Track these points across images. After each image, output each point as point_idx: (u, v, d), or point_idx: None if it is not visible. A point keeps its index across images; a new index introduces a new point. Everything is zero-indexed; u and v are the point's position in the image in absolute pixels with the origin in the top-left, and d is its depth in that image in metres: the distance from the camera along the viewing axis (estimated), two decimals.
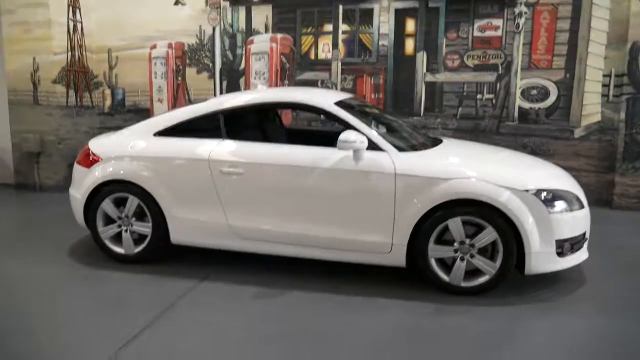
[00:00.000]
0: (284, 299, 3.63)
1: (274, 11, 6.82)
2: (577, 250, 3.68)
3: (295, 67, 6.83)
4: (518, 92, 6.24)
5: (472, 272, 3.61)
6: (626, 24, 5.80)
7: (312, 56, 6.79)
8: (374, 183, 3.63)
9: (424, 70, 6.48)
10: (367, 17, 6.55)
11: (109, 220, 4.22)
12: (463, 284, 3.59)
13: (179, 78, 7.14)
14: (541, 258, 3.49)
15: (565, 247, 3.57)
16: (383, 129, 4.04)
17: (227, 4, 6.90)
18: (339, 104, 3.94)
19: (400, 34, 6.50)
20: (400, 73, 6.57)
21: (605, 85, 6.01)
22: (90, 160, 4.27)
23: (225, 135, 4.01)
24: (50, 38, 6.71)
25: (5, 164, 7.22)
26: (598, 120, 6.08)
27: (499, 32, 6.23)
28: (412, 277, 3.83)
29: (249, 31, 6.91)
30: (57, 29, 6.76)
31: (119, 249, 4.22)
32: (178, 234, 4.07)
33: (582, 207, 3.68)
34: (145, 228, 4.12)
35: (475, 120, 6.41)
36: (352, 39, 6.64)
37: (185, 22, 7.00)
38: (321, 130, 6.22)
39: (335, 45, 6.67)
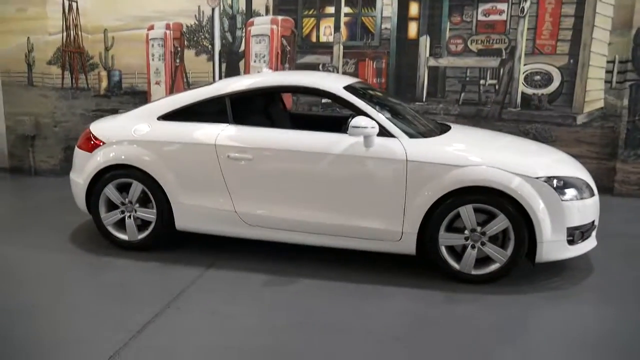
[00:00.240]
0: (293, 287, 3.59)
1: None
2: (586, 238, 3.67)
3: (296, 50, 6.72)
4: (521, 77, 6.20)
5: (482, 260, 3.59)
6: (631, 9, 5.75)
7: (314, 39, 6.68)
8: (384, 170, 3.58)
9: (427, 55, 6.40)
10: None
11: (111, 206, 4.14)
12: (474, 272, 3.57)
13: (177, 60, 7.00)
14: (552, 246, 3.48)
15: (576, 235, 3.55)
16: (392, 115, 3.98)
17: None
18: (348, 88, 3.87)
19: (403, 17, 6.40)
20: (402, 57, 6.48)
21: (608, 72, 5.98)
22: (91, 144, 4.17)
23: (232, 119, 3.93)
24: (45, 17, 6.51)
25: None
26: (601, 106, 6.06)
27: (503, 17, 6.15)
28: (420, 265, 3.81)
29: (249, 13, 6.76)
30: (52, 8, 6.57)
31: (122, 236, 4.15)
32: (183, 220, 4.00)
33: (592, 194, 3.67)
34: (149, 214, 4.04)
35: (478, 106, 6.36)
36: (354, 22, 6.53)
37: (183, 3, 6.85)
38: (322, 115, 6.14)
39: (337, 28, 6.56)
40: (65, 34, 6.77)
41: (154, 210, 4.02)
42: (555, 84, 6.14)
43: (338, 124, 4.01)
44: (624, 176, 5.98)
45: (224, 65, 6.92)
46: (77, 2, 6.86)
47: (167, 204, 3.98)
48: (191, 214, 3.97)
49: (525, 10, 6.07)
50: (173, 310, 3.26)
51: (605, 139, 6.07)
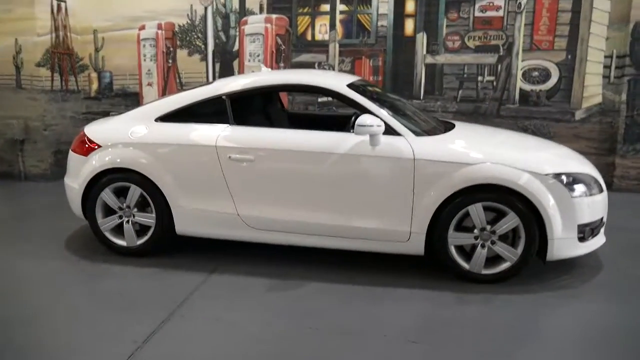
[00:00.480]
0: (299, 290, 3.50)
1: None
2: (596, 235, 3.63)
3: (291, 48, 6.62)
4: (519, 73, 6.16)
5: (491, 259, 3.52)
6: (628, 3, 5.74)
7: (309, 37, 6.59)
8: (391, 169, 3.50)
9: (424, 52, 6.34)
10: None
11: (109, 211, 4.01)
12: (484, 272, 3.50)
13: (170, 60, 6.86)
14: (563, 244, 3.42)
15: (586, 232, 3.51)
16: (396, 113, 3.89)
17: None
18: (350, 86, 3.78)
19: (399, 14, 6.33)
20: (399, 55, 6.41)
21: (606, 67, 5.96)
22: (86, 148, 4.03)
23: (232, 119, 3.82)
24: (33, 18, 6.33)
25: None
26: (599, 102, 6.04)
27: (500, 13, 6.11)
28: (428, 265, 3.73)
29: (243, 11, 6.65)
30: (40, 8, 6.39)
31: (120, 241, 4.02)
32: (184, 224, 3.88)
33: (601, 190, 3.62)
34: (148, 219, 3.92)
35: (476, 103, 6.31)
36: (350, 20, 6.45)
37: (175, 2, 6.72)
38: (320, 114, 6.05)
39: (332, 26, 6.47)
40: (54, 35, 6.60)
41: (153, 215, 3.90)
42: (553, 79, 6.11)
43: (337, 123, 3.93)
44: (623, 171, 5.96)
45: (217, 65, 6.80)
46: (65, 2, 6.69)
47: (166, 208, 3.86)
48: (192, 217, 3.85)
49: (523, 5, 6.02)
50: (177, 318, 3.15)
51: (604, 134, 6.04)
